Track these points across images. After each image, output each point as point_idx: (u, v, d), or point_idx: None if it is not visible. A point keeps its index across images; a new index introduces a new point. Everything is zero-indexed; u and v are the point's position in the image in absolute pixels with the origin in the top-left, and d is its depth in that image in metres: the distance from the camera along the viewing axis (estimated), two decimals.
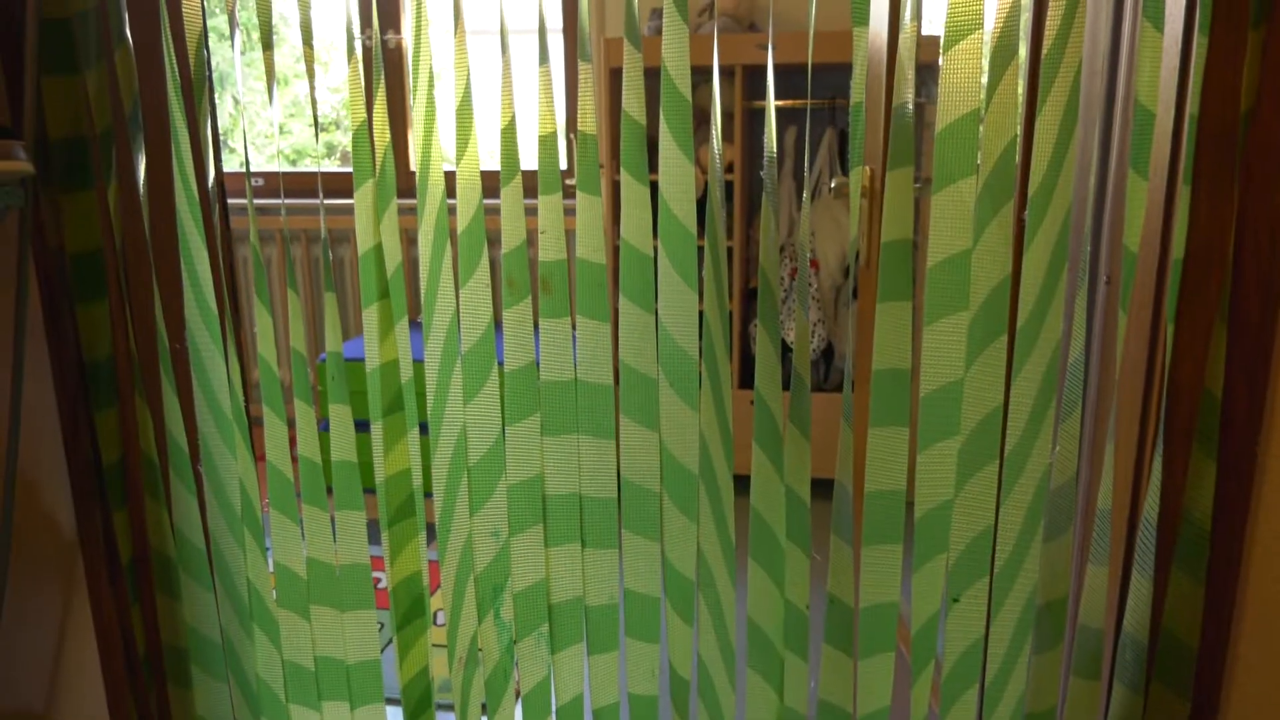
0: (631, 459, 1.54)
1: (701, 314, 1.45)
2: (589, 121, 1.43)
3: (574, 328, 1.52)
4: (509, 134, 1.47)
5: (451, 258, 1.54)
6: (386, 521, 1.71)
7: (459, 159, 1.50)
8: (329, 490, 2.61)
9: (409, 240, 3.61)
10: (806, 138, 1.59)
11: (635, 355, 1.49)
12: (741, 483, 3.31)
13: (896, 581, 1.48)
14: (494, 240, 3.90)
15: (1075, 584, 1.59)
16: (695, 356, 1.47)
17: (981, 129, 1.30)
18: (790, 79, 3.36)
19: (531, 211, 3.70)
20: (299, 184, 3.94)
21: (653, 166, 3.33)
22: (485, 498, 1.64)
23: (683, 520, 1.55)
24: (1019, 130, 1.31)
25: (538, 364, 1.55)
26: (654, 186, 3.15)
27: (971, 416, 1.39)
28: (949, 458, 1.42)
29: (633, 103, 1.39)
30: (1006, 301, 1.34)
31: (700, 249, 3.33)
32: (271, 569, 1.77)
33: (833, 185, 2.39)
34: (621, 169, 1.44)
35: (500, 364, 1.55)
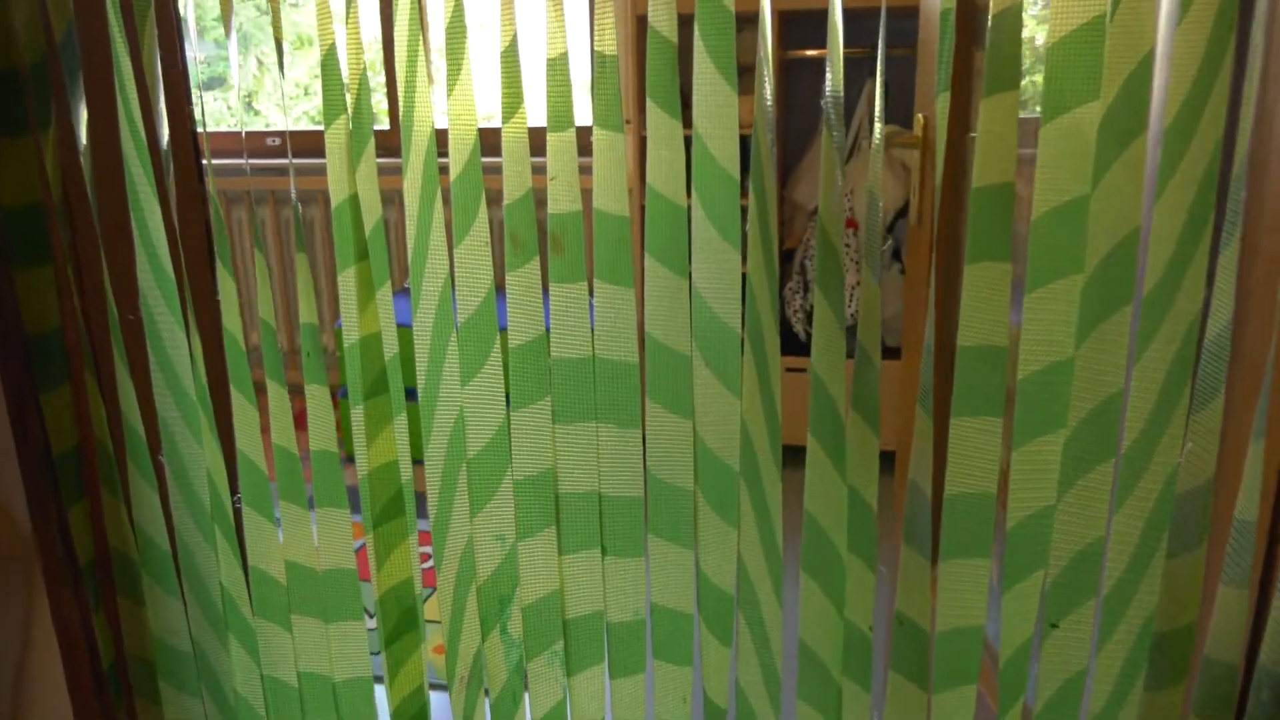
0: (660, 452, 1.29)
1: (745, 278, 1.19)
2: (608, 40, 1.16)
3: (591, 294, 1.26)
4: (510, 58, 1.20)
5: (443, 210, 1.28)
6: (371, 521, 1.46)
7: (450, 91, 1.23)
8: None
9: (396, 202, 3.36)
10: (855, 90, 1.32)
11: (664, 328, 1.23)
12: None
13: (982, 602, 1.21)
14: (494, 197, 3.63)
15: (1204, 610, 1.32)
16: (737, 330, 1.20)
17: (1107, 41, 1.01)
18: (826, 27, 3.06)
19: (539, 154, 3.44)
20: (306, 144, 3.70)
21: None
22: (488, 495, 1.39)
23: (720, 524, 1.30)
24: (1156, 43, 1.02)
25: (548, 337, 1.29)
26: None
27: (1082, 405, 1.12)
28: (1051, 455, 1.15)
29: (661, 14, 1.12)
30: (1133, 262, 1.06)
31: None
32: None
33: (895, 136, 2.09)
34: (649, 100, 1.17)
35: (504, 335, 1.29)
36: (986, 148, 1.05)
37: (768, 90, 1.14)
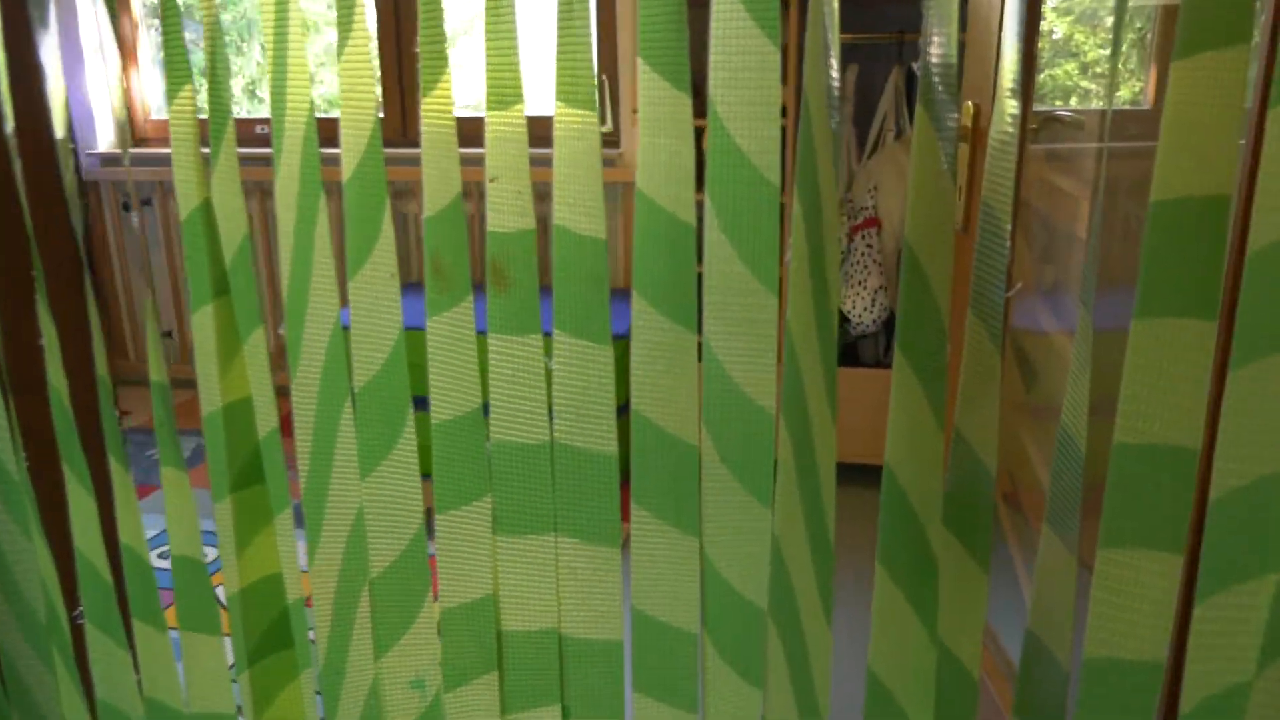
0: (649, 579, 0.88)
1: (786, 330, 0.78)
2: None
3: (549, 354, 0.85)
4: (431, 3, 0.79)
5: (331, 228, 0.87)
6: (246, 655, 1.04)
7: (340, 52, 0.82)
8: None
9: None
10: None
11: (660, 404, 0.82)
12: (856, 472, 2.53)
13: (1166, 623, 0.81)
14: (406, 194, 3.17)
15: None
16: (769, 410, 0.80)
17: None
18: (851, 11, 2.67)
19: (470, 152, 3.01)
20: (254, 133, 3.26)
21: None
22: (401, 628, 0.98)
23: (738, 685, 0.89)
24: None
25: (485, 414, 0.88)
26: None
27: None
28: (1253, 610, 0.75)
29: None
30: None
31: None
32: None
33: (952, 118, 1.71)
34: (640, 62, 0.75)
35: (420, 410, 0.89)
36: (1185, 138, 0.65)
37: (833, 60, 0.73)
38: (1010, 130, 0.74)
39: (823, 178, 0.74)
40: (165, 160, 3.30)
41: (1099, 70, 2.28)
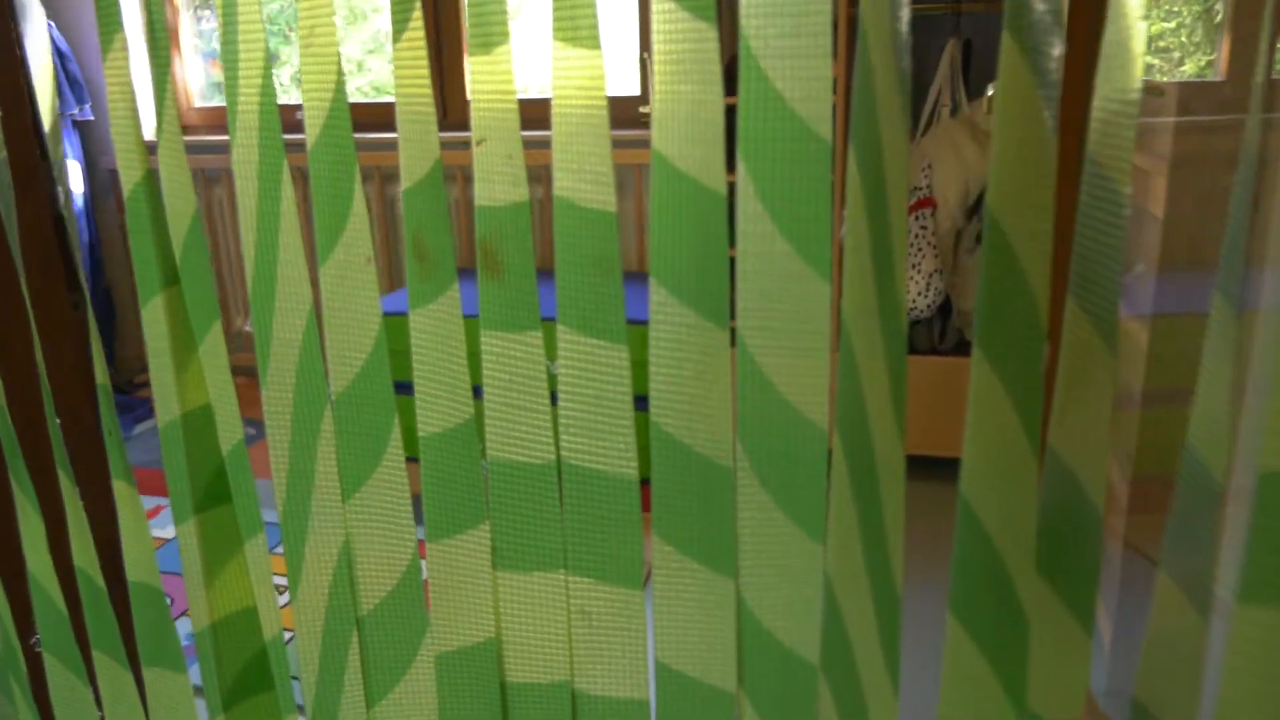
0: (677, 628, 0.73)
1: (841, 325, 0.62)
2: None
3: (553, 358, 0.70)
4: None
5: (298, 205, 0.74)
6: (220, 699, 0.92)
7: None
8: None
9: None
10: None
11: (684, 417, 0.67)
12: (923, 465, 2.38)
13: None
14: (388, 176, 3.03)
15: None
16: (821, 425, 0.64)
17: None
18: None
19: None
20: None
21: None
22: (396, 673, 0.84)
23: None
24: None
25: (479, 425, 0.74)
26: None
27: None
28: None
29: None
30: None
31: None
32: None
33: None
34: None
35: (410, 416, 0.75)
36: None
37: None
38: (1139, 78, 0.57)
39: (887, 131, 0.58)
40: (208, 148, 3.23)
41: (1161, 45, 2.16)
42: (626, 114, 2.89)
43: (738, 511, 0.67)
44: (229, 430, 0.83)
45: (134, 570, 0.91)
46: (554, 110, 0.64)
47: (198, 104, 3.37)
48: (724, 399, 0.66)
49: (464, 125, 2.93)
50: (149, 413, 2.80)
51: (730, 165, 0.59)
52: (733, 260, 0.62)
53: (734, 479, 0.67)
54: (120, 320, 3.33)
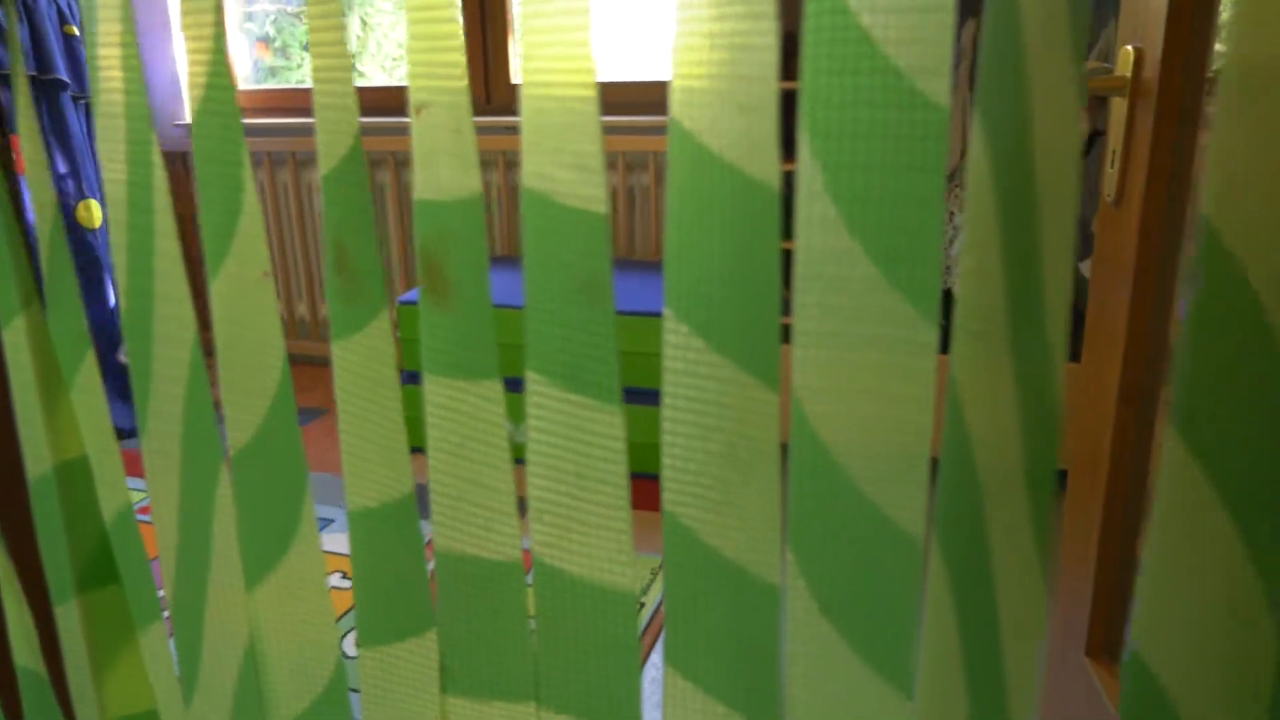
0: None
1: (950, 387, 0.41)
2: None
3: (518, 419, 0.50)
4: None
5: (162, 197, 0.53)
6: None
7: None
8: None
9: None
10: None
11: (716, 511, 0.46)
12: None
13: None
14: (489, 164, 2.81)
15: None
16: (916, 535, 0.43)
17: None
18: None
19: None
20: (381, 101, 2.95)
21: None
22: None
23: None
24: None
25: (414, 500, 0.53)
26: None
27: None
28: None
29: None
30: None
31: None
32: None
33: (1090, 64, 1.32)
34: None
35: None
36: None
37: None
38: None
39: (1043, 103, 0.37)
40: (253, 131, 3.04)
41: None
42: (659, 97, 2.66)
43: (786, 646, 0.46)
44: (112, 492, 0.63)
45: (19, 654, 0.72)
46: (524, 80, 0.43)
47: (243, 87, 3.18)
48: (769, 486, 0.45)
49: (509, 110, 2.70)
50: None
51: (787, 149, 0.38)
52: (787, 286, 0.41)
53: (781, 600, 0.46)
54: None
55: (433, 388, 0.50)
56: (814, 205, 0.39)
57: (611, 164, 2.49)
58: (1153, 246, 1.24)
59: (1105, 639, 1.14)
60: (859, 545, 0.43)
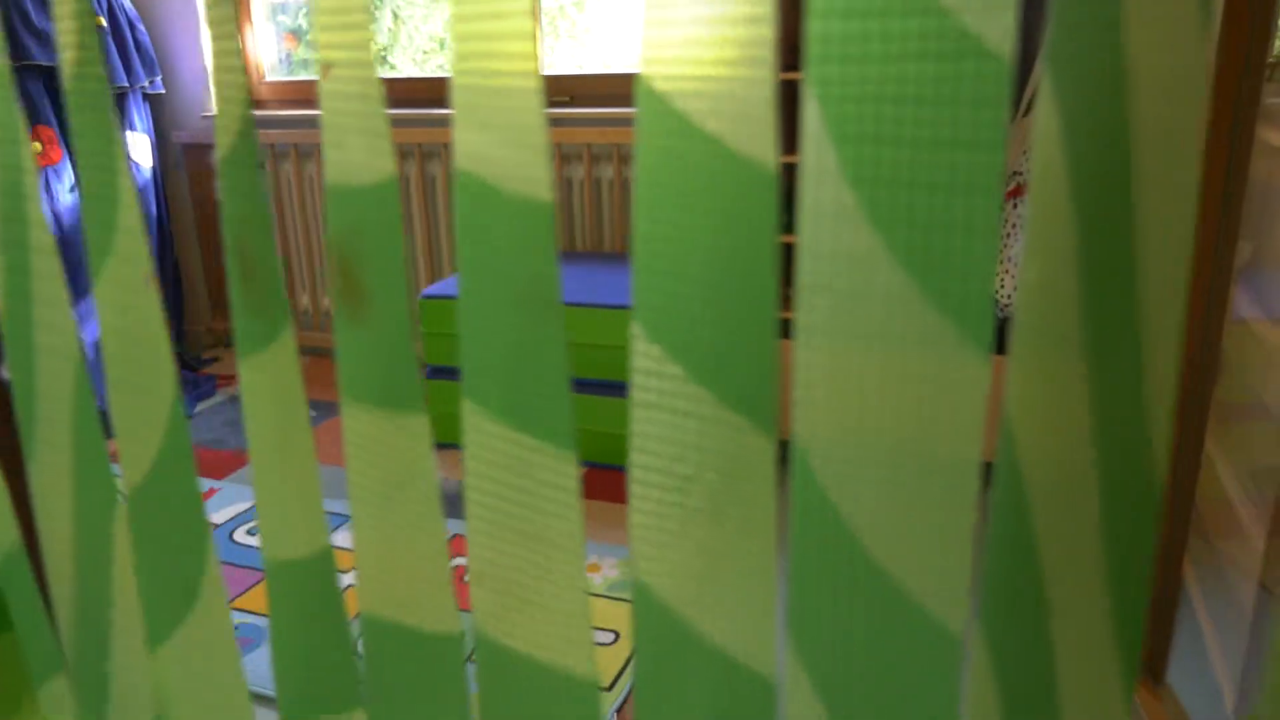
0: None
1: (1003, 438, 0.31)
2: None
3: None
4: None
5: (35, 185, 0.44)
6: None
7: None
8: None
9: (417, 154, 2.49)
10: None
11: (691, 581, 0.36)
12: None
13: None
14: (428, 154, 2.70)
15: None
16: (956, 631, 0.32)
17: None
18: None
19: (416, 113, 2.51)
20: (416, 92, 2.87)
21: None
22: None
23: None
24: None
25: (331, 555, 0.44)
26: None
27: None
28: None
29: None
30: None
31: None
32: None
33: None
34: None
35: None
36: None
37: None
38: None
39: (1147, 66, 0.27)
40: (280, 123, 2.96)
41: None
42: None
43: None
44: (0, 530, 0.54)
45: None
46: (452, 53, 0.33)
47: (269, 78, 3.10)
48: (763, 556, 0.35)
49: (592, 100, 2.58)
50: (213, 390, 2.65)
51: (788, 143, 0.29)
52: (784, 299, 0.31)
53: (777, 698, 0.36)
54: (187, 295, 3.13)
55: (352, 417, 0.40)
56: (824, 191, 0.29)
57: (577, 156, 2.39)
58: (1202, 248, 1.14)
59: (1147, 659, 1.04)
60: (878, 637, 0.33)
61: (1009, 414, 0.30)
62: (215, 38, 0.39)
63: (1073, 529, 0.32)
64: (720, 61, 0.30)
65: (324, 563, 0.44)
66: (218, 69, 0.40)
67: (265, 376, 0.43)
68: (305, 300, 2.91)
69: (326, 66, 0.36)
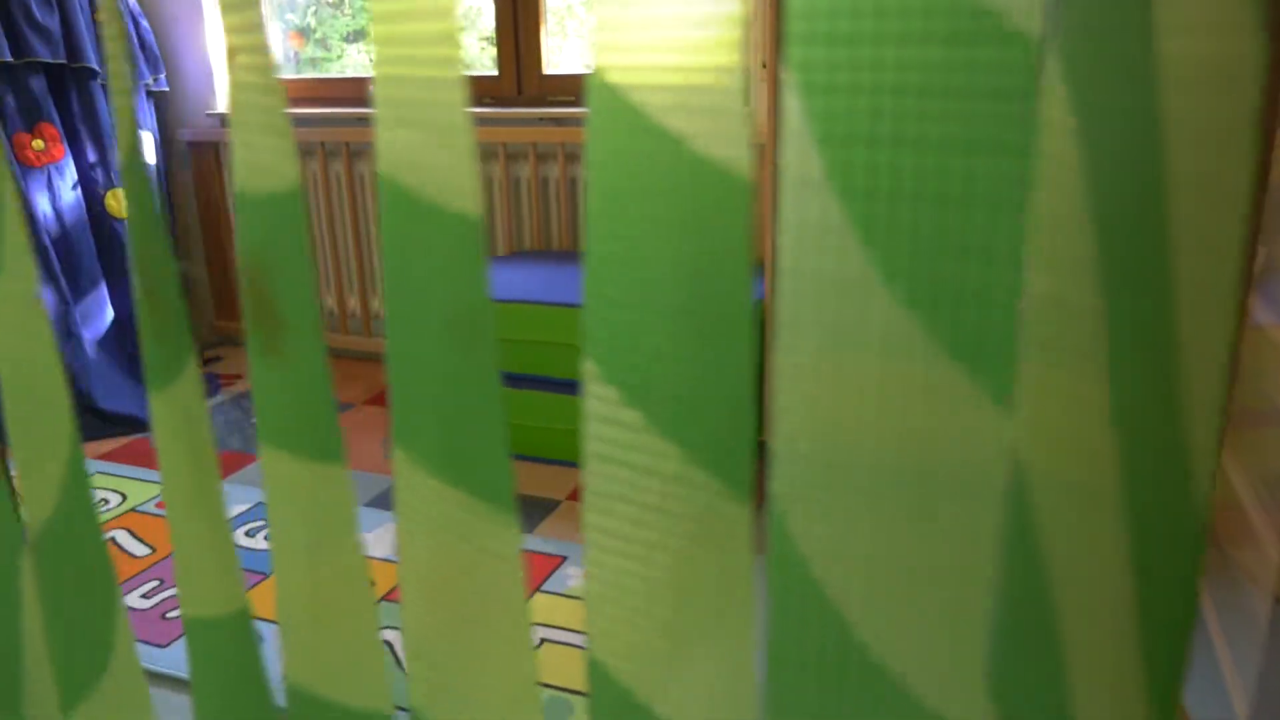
0: None
1: (1013, 491, 0.25)
2: None
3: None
4: None
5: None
6: None
7: None
8: None
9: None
10: None
11: (652, 663, 0.30)
12: None
13: None
14: (520, 156, 2.66)
15: None
16: None
17: None
18: None
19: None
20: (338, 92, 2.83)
21: None
22: None
23: None
24: None
25: (247, 616, 0.39)
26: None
27: None
28: None
29: None
30: None
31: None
32: None
33: None
34: None
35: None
36: None
37: None
38: None
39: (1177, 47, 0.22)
40: (299, 121, 2.92)
41: None
42: None
43: None
44: None
45: None
46: (375, 54, 0.28)
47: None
48: (739, 640, 0.29)
49: (540, 102, 2.52)
50: (217, 389, 2.63)
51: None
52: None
53: None
54: (193, 293, 3.11)
55: (270, 463, 0.35)
56: (807, 204, 0.23)
57: (523, 155, 2.34)
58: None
59: None
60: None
61: (1017, 440, 0.25)
62: (109, 39, 0.34)
63: (1098, 576, 0.26)
64: (685, 48, 0.25)
65: (240, 622, 0.39)
66: (112, 73, 0.34)
67: (176, 413, 0.37)
68: (353, 303, 2.79)
69: (234, 53, 0.31)
